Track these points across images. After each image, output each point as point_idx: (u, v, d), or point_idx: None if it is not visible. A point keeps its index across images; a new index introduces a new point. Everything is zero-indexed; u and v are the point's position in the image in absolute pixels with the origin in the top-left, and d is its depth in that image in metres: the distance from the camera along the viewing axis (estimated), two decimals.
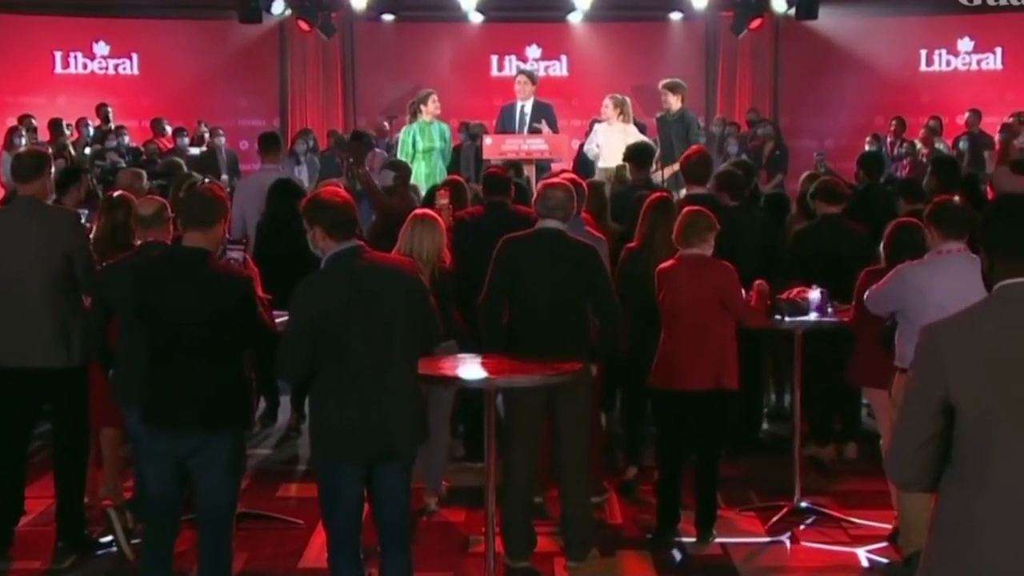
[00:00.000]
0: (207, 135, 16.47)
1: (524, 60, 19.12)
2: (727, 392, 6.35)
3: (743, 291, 6.42)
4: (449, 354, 6.08)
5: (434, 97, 11.74)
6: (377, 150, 15.46)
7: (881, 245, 6.54)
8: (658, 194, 7.48)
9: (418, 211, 7.04)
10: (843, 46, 18.85)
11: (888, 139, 16.35)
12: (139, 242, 6.15)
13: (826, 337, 7.03)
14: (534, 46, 19.40)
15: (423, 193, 9.68)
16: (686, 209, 6.61)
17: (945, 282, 5.46)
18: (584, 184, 7.31)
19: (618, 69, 18.54)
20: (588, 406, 6.26)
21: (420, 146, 11.69)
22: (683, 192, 10.92)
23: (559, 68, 19.44)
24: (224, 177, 14.61)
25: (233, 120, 18.61)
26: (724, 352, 6.32)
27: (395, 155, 12.17)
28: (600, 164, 11.65)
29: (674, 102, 11.42)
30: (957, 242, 5.69)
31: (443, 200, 7.78)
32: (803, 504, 6.91)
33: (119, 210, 6.64)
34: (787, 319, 6.62)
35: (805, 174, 9.93)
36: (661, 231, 6.95)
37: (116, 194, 6.93)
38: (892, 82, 18.72)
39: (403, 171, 9.62)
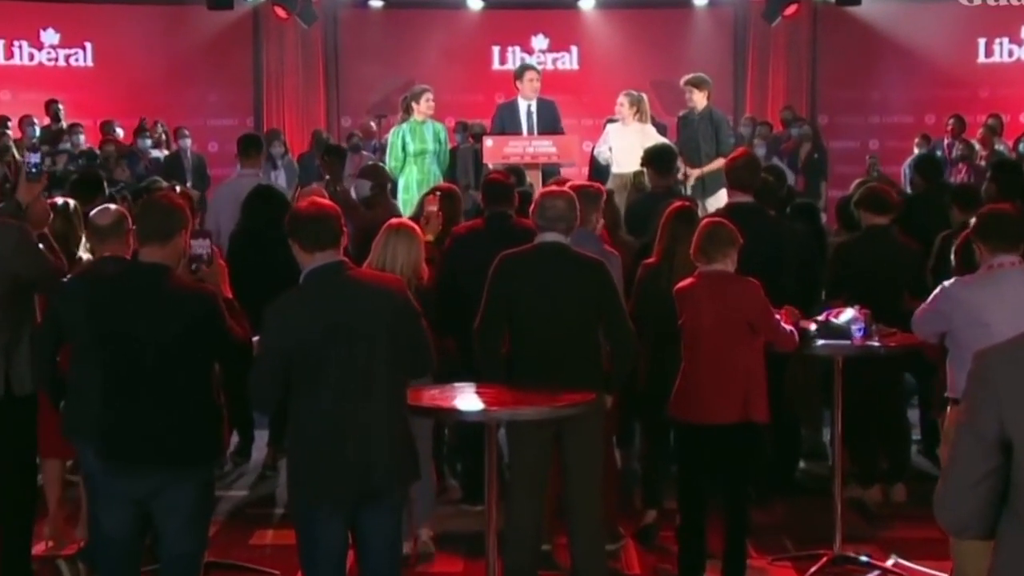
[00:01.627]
0: (164, 135, 16.47)
1: (529, 52, 19.19)
2: (756, 425, 6.37)
3: (774, 311, 6.45)
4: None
5: (428, 95, 11.78)
6: (364, 153, 15.52)
7: (944, 257, 6.56)
8: (679, 203, 7.49)
9: (393, 221, 7.07)
10: (890, 35, 18.90)
11: (945, 140, 16.35)
12: (85, 256, 6.16)
13: (870, 364, 7.04)
14: (540, 36, 19.46)
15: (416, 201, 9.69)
16: (704, 220, 6.65)
17: (997, 300, 5.48)
18: (603, 190, 7.34)
19: (635, 62, 18.60)
20: (601, 442, 6.29)
21: (411, 149, 11.71)
22: (710, 201, 11.02)
23: (568, 60, 19.50)
24: (190, 183, 14.65)
25: (201, 119, 18.69)
26: (751, 380, 6.34)
27: (384, 159, 12.22)
28: (614, 169, 11.69)
29: (699, 100, 11.50)
30: (1009, 255, 5.71)
31: (431, 207, 7.80)
32: (845, 553, 6.91)
33: (57, 219, 6.66)
34: (826, 344, 6.64)
35: (857, 181, 9.95)
36: (683, 245, 6.97)
37: (60, 201, 6.97)
38: (946, 76, 18.76)
39: (381, 178, 9.63)
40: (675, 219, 7.16)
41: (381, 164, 10.63)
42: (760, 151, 15.47)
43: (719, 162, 11.19)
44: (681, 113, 12.04)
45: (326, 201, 5.23)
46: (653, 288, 7.05)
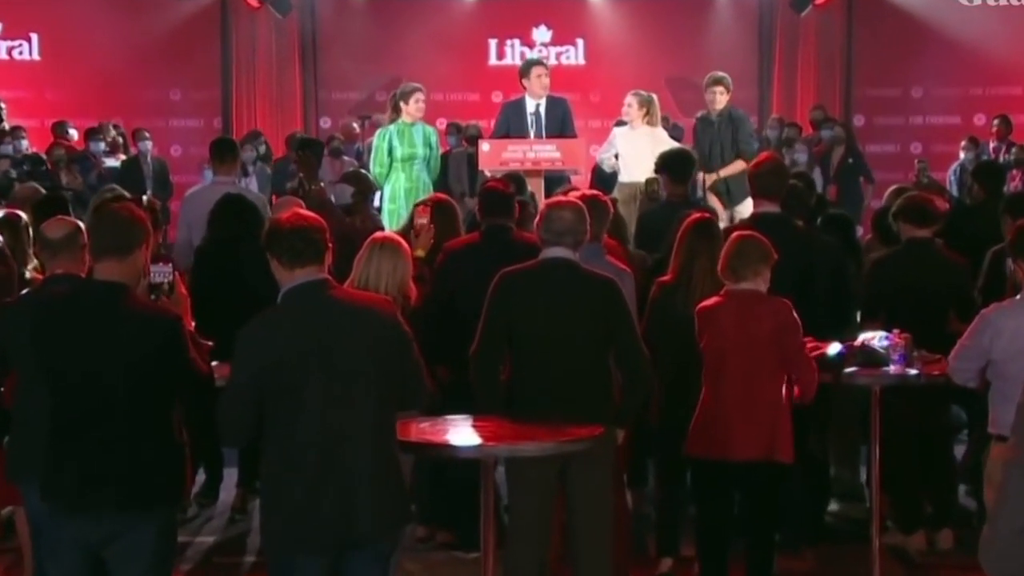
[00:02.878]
0: (120, 138, 16.47)
1: (530, 45, 19.20)
2: (782, 464, 6.39)
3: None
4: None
5: (419, 94, 11.80)
6: (345, 158, 15.54)
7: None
8: (698, 214, 7.51)
9: (377, 235, 7.09)
10: (933, 26, 18.94)
11: (990, 144, 16.40)
12: (31, 274, 6.17)
13: (912, 394, 7.06)
14: (543, 27, 19.47)
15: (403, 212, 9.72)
16: (735, 234, 6.66)
17: None
18: (608, 201, 7.36)
19: (648, 57, 18.62)
20: (610, 481, 6.30)
21: (399, 153, 11.73)
22: (739, 209, 11.05)
23: (574, 55, 19.52)
24: (150, 192, 14.64)
25: (163, 119, 18.72)
26: (778, 414, 6.37)
27: (367, 164, 12.24)
28: (622, 178, 11.72)
29: (722, 100, 11.56)
30: None
31: (422, 219, 7.82)
32: None
33: (4, 232, 6.69)
34: (862, 372, 6.66)
35: (893, 188, 9.93)
36: (702, 261, 7.01)
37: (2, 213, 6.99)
38: (995, 72, 18.79)
39: (364, 185, 9.65)
40: (693, 232, 7.18)
41: (365, 172, 10.63)
42: (801, 157, 15.46)
43: (738, 165, 11.26)
44: (699, 114, 12.09)
45: (310, 212, 5.24)
46: (668, 309, 7.07)
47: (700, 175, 11.33)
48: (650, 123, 11.68)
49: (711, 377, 6.46)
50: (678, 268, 7.17)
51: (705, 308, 6.51)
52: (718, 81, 11.75)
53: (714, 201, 11.33)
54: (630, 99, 11.79)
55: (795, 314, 6.42)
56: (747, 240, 6.52)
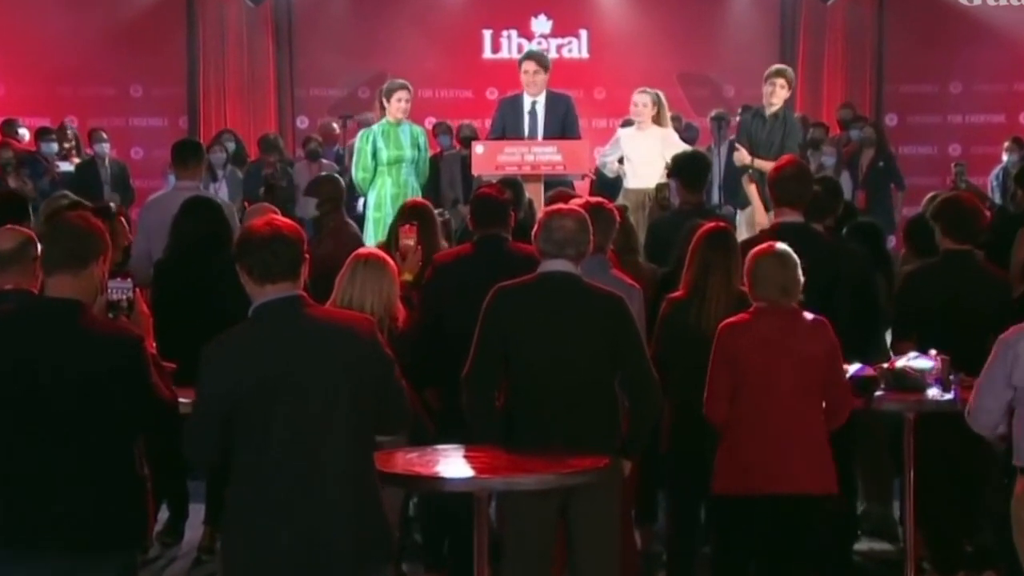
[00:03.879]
0: (74, 139, 16.45)
1: (529, 37, 19.21)
2: (823, 497, 6.42)
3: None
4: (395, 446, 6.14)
5: (403, 92, 11.78)
6: (324, 161, 15.56)
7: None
8: (712, 223, 7.53)
9: (361, 250, 7.09)
10: (973, 14, 18.99)
11: None
12: None
13: (949, 422, 7.05)
14: (542, 17, 19.48)
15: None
16: (760, 248, 6.63)
17: None
18: (614, 209, 7.37)
19: (658, 50, 18.65)
20: (617, 517, 6.31)
21: (384, 156, 11.71)
22: (757, 222, 11.06)
23: (576, 47, 19.53)
24: (111, 202, 14.63)
25: (122, 118, 18.74)
26: (826, 441, 6.41)
27: (349, 168, 12.22)
28: (629, 184, 11.73)
29: (782, 96, 11.52)
30: None
31: (408, 240, 7.80)
32: None
33: None
34: (894, 397, 6.68)
35: (931, 195, 9.92)
36: (717, 275, 7.01)
37: None
38: None
39: (330, 191, 9.55)
40: (707, 243, 7.19)
41: (334, 176, 10.54)
42: (828, 160, 15.45)
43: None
44: (744, 111, 12.06)
45: (285, 220, 5.22)
46: (680, 328, 7.08)
47: (740, 153, 11.34)
48: (659, 123, 11.70)
49: (745, 404, 6.45)
50: (691, 283, 7.17)
51: (731, 327, 6.50)
52: (779, 73, 11.65)
53: (753, 194, 11.30)
54: (638, 97, 11.80)
55: (836, 336, 6.46)
56: (776, 255, 6.52)
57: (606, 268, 7.04)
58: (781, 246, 6.61)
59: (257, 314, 4.92)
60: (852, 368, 6.81)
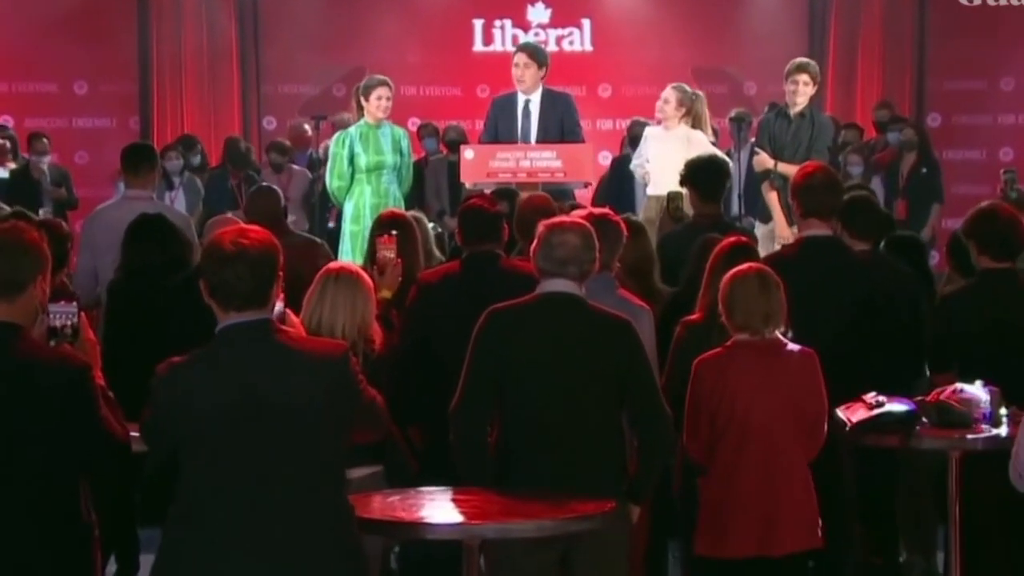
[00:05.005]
0: (8, 142, 16.41)
1: (525, 28, 19.22)
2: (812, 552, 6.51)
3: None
4: (373, 487, 6.14)
5: (384, 89, 11.79)
6: (295, 168, 15.57)
7: None
8: (734, 239, 7.55)
9: (332, 264, 7.10)
10: None
11: None
12: None
13: (999, 462, 7.06)
14: (540, 5, 19.49)
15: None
16: (738, 270, 6.64)
17: None
18: (622, 223, 7.38)
19: (670, 43, 18.65)
20: (624, 569, 6.30)
21: (363, 162, 11.72)
22: (778, 235, 11.07)
23: (578, 39, 19.52)
24: (48, 209, 14.63)
25: (65, 118, 18.67)
26: (808, 492, 6.48)
27: (324, 175, 12.23)
28: (649, 191, 11.75)
29: (805, 93, 11.52)
30: None
31: (387, 252, 7.78)
32: None
33: None
34: (936, 435, 6.70)
35: (983, 205, 9.88)
36: None
37: None
38: None
39: (262, 204, 9.47)
40: (727, 261, 7.19)
41: (270, 187, 10.37)
42: (855, 169, 15.43)
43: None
44: (770, 110, 12.08)
45: (258, 230, 5.16)
46: (695, 356, 7.06)
47: (760, 157, 11.36)
48: (689, 124, 11.72)
49: (726, 452, 6.48)
50: (709, 305, 7.19)
51: (708, 364, 6.54)
52: (801, 68, 11.67)
53: (774, 202, 11.31)
54: (668, 93, 11.82)
55: (820, 369, 6.51)
56: (753, 276, 6.55)
57: (612, 288, 7.04)
58: (759, 267, 6.64)
59: (220, 337, 4.94)
60: (900, 405, 6.81)
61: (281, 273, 5.02)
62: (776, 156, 11.39)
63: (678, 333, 7.29)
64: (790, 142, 11.46)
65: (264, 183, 11.57)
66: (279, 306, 5.44)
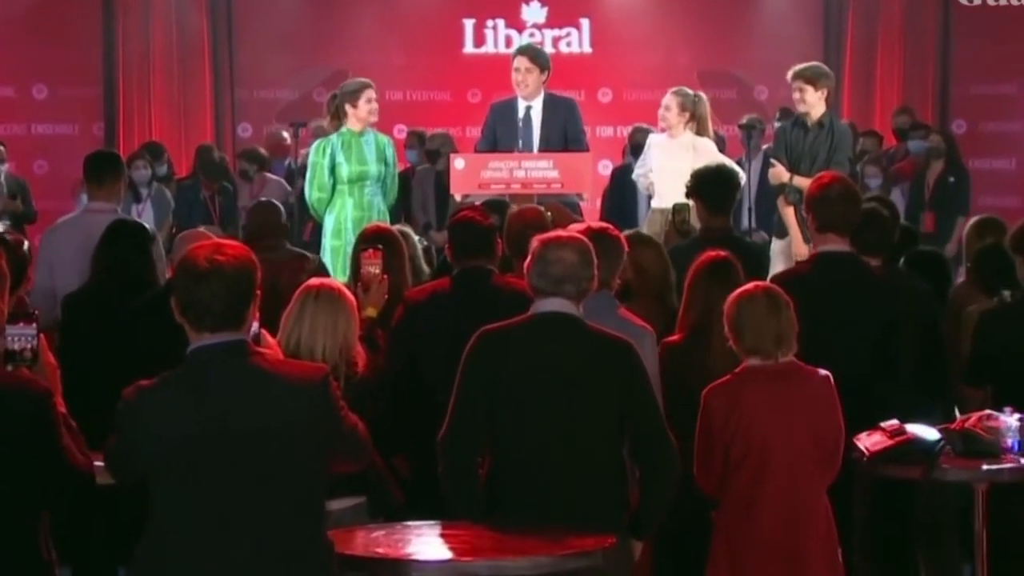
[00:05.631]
0: None
1: (519, 28, 19.24)
2: None
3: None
4: (355, 521, 6.12)
5: (369, 92, 11.78)
6: (270, 177, 15.56)
7: None
8: (712, 253, 7.57)
9: (312, 281, 7.09)
10: None
11: None
12: None
13: None
14: (535, 3, 19.53)
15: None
16: (744, 290, 6.64)
17: None
18: (621, 237, 7.37)
19: (674, 44, 18.71)
20: None
21: (345, 172, 11.70)
22: (794, 252, 11.06)
23: (576, 41, 19.55)
24: (5, 222, 14.62)
25: (22, 124, 18.71)
26: (829, 530, 6.48)
27: (303, 185, 12.21)
28: (654, 203, 11.75)
29: (816, 102, 11.49)
30: None
31: (373, 267, 7.78)
32: None
33: None
34: (962, 466, 6.69)
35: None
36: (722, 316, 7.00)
37: None
38: None
39: (262, 219, 9.49)
40: (707, 276, 7.28)
41: (270, 202, 10.38)
42: (872, 182, 15.42)
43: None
44: (781, 119, 12.08)
45: (235, 245, 5.17)
46: (681, 379, 7.06)
47: (776, 169, 11.36)
48: (694, 131, 11.73)
49: (741, 486, 6.49)
50: (690, 324, 7.20)
51: (718, 392, 6.53)
52: (798, 74, 11.59)
53: (790, 217, 11.30)
54: (669, 99, 11.86)
55: (837, 395, 6.51)
56: (762, 295, 6.55)
57: (612, 308, 7.02)
58: (766, 285, 6.63)
59: (193, 358, 4.94)
60: (926, 433, 6.79)
61: (259, 292, 5.01)
62: (792, 168, 11.36)
63: (659, 354, 7.23)
64: (807, 153, 11.42)
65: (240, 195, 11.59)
66: (255, 326, 5.44)
